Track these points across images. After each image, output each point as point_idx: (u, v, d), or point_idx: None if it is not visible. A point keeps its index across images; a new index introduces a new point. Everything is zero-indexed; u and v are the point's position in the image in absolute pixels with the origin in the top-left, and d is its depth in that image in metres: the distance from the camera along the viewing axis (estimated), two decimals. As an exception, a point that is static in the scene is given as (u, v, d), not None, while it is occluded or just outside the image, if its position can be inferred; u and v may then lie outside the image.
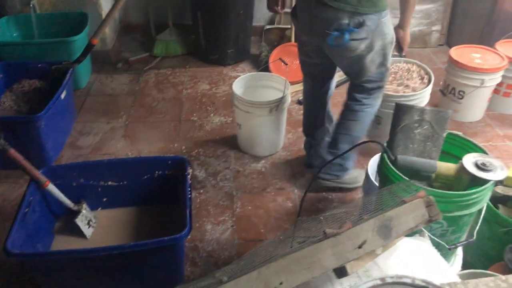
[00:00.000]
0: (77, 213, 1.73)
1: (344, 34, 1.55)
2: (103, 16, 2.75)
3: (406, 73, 2.37)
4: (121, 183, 1.86)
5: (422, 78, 2.34)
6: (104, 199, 1.87)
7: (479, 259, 1.65)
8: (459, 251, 1.53)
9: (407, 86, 2.30)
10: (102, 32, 2.48)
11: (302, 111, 2.67)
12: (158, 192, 1.88)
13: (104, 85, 2.91)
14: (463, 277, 1.34)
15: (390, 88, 2.27)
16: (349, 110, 1.88)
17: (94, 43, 2.41)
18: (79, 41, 2.60)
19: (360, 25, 1.54)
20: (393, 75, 2.35)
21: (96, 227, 1.81)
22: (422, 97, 2.26)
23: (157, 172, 1.86)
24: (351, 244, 0.85)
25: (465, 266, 1.72)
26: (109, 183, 1.84)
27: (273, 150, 2.37)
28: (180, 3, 3.31)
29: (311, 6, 1.59)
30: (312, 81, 2.00)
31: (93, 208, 1.84)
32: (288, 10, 1.89)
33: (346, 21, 1.54)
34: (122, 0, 2.40)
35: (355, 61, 1.68)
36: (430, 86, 2.28)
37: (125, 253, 1.44)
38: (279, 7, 1.90)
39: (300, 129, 2.53)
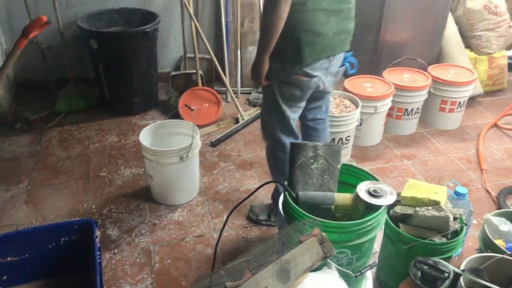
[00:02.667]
0: (-30, 299, 1.55)
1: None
2: (-6, 77, 2.59)
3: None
4: (22, 257, 1.70)
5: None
6: (4, 277, 1.70)
7: (391, 278, 1.74)
8: (368, 274, 1.60)
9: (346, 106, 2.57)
10: (-7, 94, 2.34)
11: (216, 153, 2.71)
12: (67, 260, 1.75)
13: (1, 150, 2.71)
14: (375, 300, 1.40)
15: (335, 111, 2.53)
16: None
17: (-16, 108, 2.25)
18: (-33, 106, 2.42)
19: None
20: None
21: (-4, 310, 1.64)
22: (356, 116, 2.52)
23: (62, 239, 1.74)
24: (252, 294, 0.85)
25: (380, 286, 1.81)
26: (8, 259, 1.68)
27: (189, 196, 2.34)
28: (79, 56, 3.23)
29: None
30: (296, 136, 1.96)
31: (-9, 289, 1.67)
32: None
33: None
34: (12, 58, 2.28)
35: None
36: (359, 108, 2.53)
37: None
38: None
39: (216, 171, 2.55)
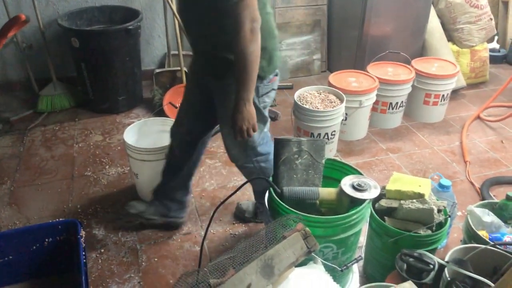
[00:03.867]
0: (-48, 303, 1.52)
1: None
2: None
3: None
4: (6, 258, 1.68)
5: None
6: (-13, 280, 1.68)
7: (378, 271, 1.74)
8: (355, 268, 1.61)
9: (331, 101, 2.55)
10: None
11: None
12: (52, 261, 1.74)
13: (-17, 151, 2.66)
14: (361, 293, 1.41)
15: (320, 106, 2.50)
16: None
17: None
18: None
19: None
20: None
21: (-20, 314, 1.61)
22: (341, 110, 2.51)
23: (47, 240, 1.73)
24: (236, 291, 0.85)
25: (367, 279, 1.82)
26: (-9, 261, 1.66)
27: (176, 194, 2.32)
28: (61, 55, 3.18)
29: None
30: None
31: (-26, 293, 1.65)
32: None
33: None
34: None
35: None
36: (344, 102, 2.51)
37: None
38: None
39: (202, 168, 2.54)
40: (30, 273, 1.73)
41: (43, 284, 1.74)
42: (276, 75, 1.68)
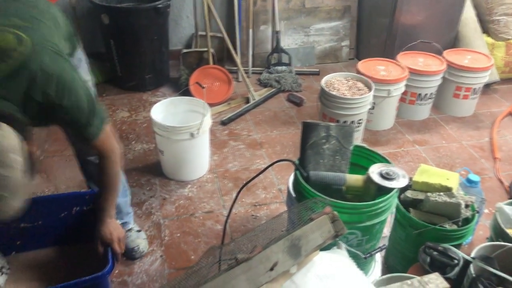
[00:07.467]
0: (-16, 262, 1.59)
1: None
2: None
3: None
4: (35, 223, 1.74)
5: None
6: (18, 242, 1.74)
7: (400, 262, 1.73)
8: (377, 257, 1.60)
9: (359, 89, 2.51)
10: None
11: (226, 132, 2.71)
12: (78, 229, 1.78)
13: (14, 121, 2.73)
14: (383, 282, 1.40)
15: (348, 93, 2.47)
16: None
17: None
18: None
19: None
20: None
21: (10, 273, 1.68)
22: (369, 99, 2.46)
23: (74, 208, 1.77)
24: (263, 268, 0.86)
25: (389, 270, 1.81)
26: (22, 225, 1.72)
27: (199, 173, 2.35)
28: (90, 31, 3.21)
29: None
30: None
31: (6, 253, 1.70)
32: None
33: None
34: None
35: None
36: (372, 91, 2.47)
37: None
38: None
39: (226, 149, 2.55)
40: (57, 239, 1.78)
41: (69, 251, 1.78)
42: None
